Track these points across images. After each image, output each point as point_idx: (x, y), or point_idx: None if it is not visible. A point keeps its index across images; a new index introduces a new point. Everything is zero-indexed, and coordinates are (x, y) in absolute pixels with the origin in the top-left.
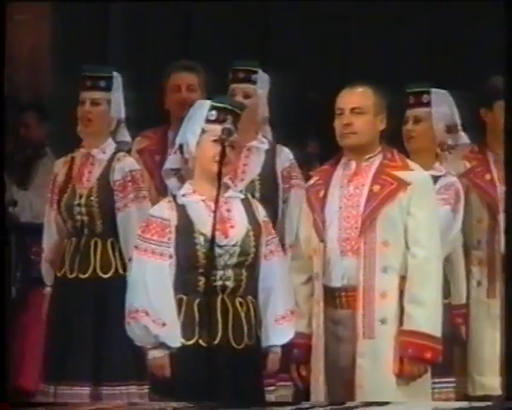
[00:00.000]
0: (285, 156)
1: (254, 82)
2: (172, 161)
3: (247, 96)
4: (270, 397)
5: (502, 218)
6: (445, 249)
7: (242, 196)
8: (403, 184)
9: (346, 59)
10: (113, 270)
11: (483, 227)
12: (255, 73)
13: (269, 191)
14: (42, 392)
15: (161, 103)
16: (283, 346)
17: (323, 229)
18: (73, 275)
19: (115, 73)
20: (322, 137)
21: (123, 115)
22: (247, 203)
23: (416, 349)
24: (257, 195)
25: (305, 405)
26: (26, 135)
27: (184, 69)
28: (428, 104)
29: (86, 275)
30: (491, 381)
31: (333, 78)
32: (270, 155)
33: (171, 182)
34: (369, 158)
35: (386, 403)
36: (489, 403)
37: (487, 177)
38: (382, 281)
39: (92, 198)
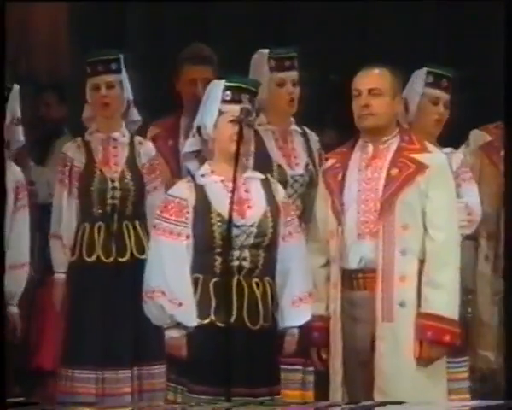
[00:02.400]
0: (314, 138)
1: (296, 68)
2: (192, 144)
3: (294, 84)
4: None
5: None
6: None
7: (262, 177)
8: (421, 168)
9: (363, 42)
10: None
11: (493, 202)
12: (296, 58)
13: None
14: (76, 378)
15: (173, 88)
16: (301, 328)
17: (342, 212)
18: (111, 259)
19: (121, 55)
20: (341, 120)
21: (131, 96)
22: (266, 184)
23: (436, 333)
24: (314, 177)
25: (323, 404)
26: (47, 114)
27: (200, 62)
28: (447, 89)
29: (125, 258)
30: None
31: (350, 61)
32: (306, 137)
33: (192, 164)
34: (387, 140)
35: (402, 403)
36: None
37: (502, 152)
38: (401, 264)
39: (127, 181)
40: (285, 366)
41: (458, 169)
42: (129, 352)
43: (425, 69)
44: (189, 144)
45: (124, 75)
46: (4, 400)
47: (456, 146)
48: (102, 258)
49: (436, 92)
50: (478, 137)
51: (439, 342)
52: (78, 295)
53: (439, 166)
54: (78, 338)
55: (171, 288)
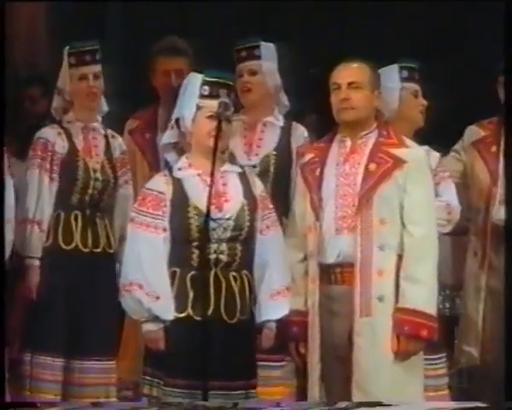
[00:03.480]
0: (300, 133)
1: (258, 57)
2: (170, 136)
3: (253, 73)
4: (276, 373)
5: (498, 191)
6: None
7: (239, 170)
8: (399, 162)
9: (342, 36)
10: (112, 246)
11: (483, 197)
12: (257, 47)
13: (283, 167)
14: (20, 361)
15: (148, 81)
16: (279, 323)
17: (320, 207)
18: (87, 249)
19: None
20: (321, 113)
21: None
22: (243, 178)
23: (413, 327)
24: (271, 170)
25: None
26: (31, 108)
27: (173, 53)
28: (419, 81)
29: (99, 249)
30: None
31: (328, 54)
32: (286, 131)
33: (171, 156)
34: (365, 135)
35: (379, 404)
36: (486, 405)
37: (493, 149)
38: (379, 259)
39: (106, 171)
40: (266, 363)
41: (437, 168)
42: (96, 343)
43: (396, 65)
44: (167, 136)
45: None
46: (4, 400)
47: (452, 143)
48: (80, 247)
49: (413, 85)
50: (472, 132)
51: (416, 336)
52: (51, 281)
53: (418, 161)
54: (48, 324)
55: (149, 281)
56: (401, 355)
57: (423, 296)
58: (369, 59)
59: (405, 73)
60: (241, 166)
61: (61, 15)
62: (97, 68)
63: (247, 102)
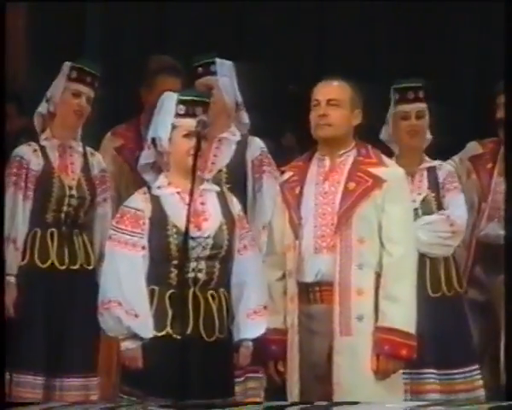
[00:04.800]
0: (256, 146)
1: (214, 73)
2: (147, 156)
3: (209, 88)
4: (238, 389)
5: (486, 207)
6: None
7: (218, 189)
8: (378, 182)
9: (321, 53)
10: (92, 262)
11: (473, 212)
12: (213, 63)
13: (236, 182)
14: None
15: (137, 97)
16: (256, 341)
17: (299, 226)
18: (64, 267)
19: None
20: (299, 131)
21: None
22: (221, 197)
23: (392, 346)
24: (224, 185)
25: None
26: (6, 126)
27: (172, 73)
28: (423, 100)
29: (76, 266)
30: None
31: (309, 71)
32: (242, 145)
33: (149, 176)
34: (344, 153)
35: (356, 403)
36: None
37: (489, 165)
38: (358, 278)
39: (83, 190)
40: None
41: (444, 180)
42: (76, 360)
43: (391, 88)
44: (144, 156)
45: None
46: (4, 400)
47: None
48: (57, 265)
49: (404, 107)
50: (471, 147)
51: (395, 355)
52: (27, 299)
53: (396, 181)
54: (25, 342)
55: (127, 299)
56: (381, 374)
57: (402, 315)
58: (354, 78)
59: (397, 96)
60: (220, 186)
61: (40, 35)
62: (92, 94)
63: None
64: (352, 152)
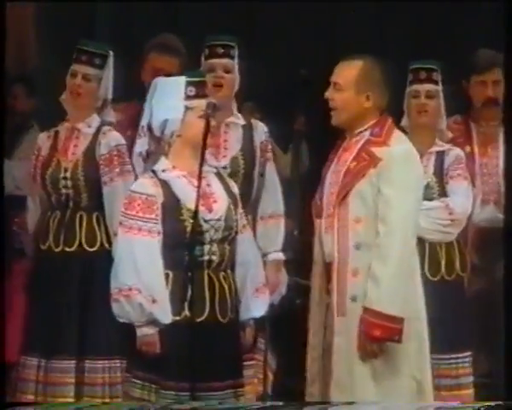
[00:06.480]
0: (261, 130)
1: (233, 57)
2: (142, 144)
3: (227, 72)
4: (248, 372)
5: (479, 192)
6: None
7: (215, 171)
8: (373, 161)
9: (335, 35)
10: (98, 244)
11: None
12: (233, 47)
13: (251, 166)
14: (24, 364)
15: (138, 77)
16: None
17: (318, 205)
18: (59, 249)
19: (110, 52)
20: (310, 114)
21: (110, 96)
22: (220, 177)
23: (367, 326)
24: (241, 170)
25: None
26: (14, 106)
27: (167, 51)
28: (437, 82)
29: (72, 249)
30: None
31: (321, 54)
32: (248, 129)
33: (140, 164)
34: (359, 133)
35: (352, 403)
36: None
37: (467, 149)
38: (355, 258)
39: (78, 171)
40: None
41: (449, 166)
42: (74, 343)
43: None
44: (139, 145)
45: (107, 73)
46: (4, 400)
47: None
48: (52, 247)
49: (415, 86)
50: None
51: (368, 336)
52: (32, 282)
53: (392, 159)
54: (26, 326)
55: (146, 285)
56: (361, 354)
57: (380, 295)
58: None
59: (411, 76)
60: (215, 167)
61: (51, 17)
62: (90, 71)
63: (216, 98)
64: (367, 132)
